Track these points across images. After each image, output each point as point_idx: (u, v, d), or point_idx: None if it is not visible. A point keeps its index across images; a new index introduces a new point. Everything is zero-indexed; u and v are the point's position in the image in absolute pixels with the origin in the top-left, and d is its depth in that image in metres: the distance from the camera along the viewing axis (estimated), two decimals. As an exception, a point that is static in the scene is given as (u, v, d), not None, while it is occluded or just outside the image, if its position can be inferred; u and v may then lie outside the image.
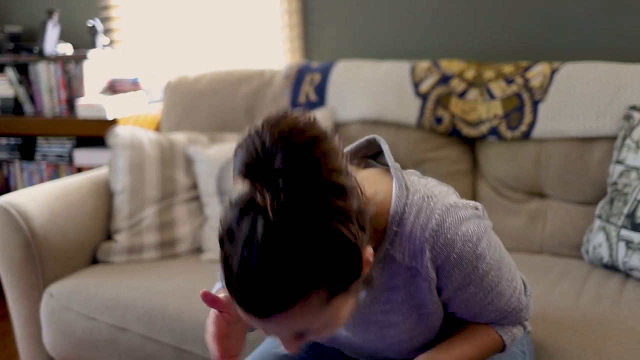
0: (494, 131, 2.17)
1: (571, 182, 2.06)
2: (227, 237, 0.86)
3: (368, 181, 1.03)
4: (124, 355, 1.97)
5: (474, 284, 1.07)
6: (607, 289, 1.76)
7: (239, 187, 0.86)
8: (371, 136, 1.19)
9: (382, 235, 1.05)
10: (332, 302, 0.89)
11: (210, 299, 1.04)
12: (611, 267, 1.87)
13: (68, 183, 2.35)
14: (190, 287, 2.00)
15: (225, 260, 0.87)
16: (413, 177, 1.12)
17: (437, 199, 1.05)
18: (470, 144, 2.28)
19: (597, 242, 1.89)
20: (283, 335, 0.93)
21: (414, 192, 1.07)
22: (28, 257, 2.11)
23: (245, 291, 0.85)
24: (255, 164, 0.86)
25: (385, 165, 1.16)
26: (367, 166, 1.18)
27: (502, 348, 1.19)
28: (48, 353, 2.17)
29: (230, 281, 0.86)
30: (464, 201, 1.09)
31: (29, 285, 2.14)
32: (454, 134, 2.24)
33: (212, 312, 1.10)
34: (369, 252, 0.92)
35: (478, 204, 1.11)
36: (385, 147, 1.15)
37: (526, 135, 2.12)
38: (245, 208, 0.85)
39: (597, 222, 1.92)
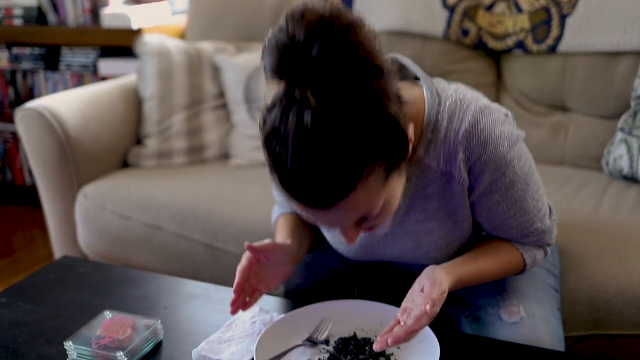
0: (519, 44, 2.18)
1: (595, 96, 2.08)
2: (273, 137, 0.86)
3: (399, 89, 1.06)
4: (158, 252, 2.06)
5: (499, 192, 1.08)
6: (627, 197, 1.82)
7: (273, 89, 0.87)
8: (389, 55, 1.15)
9: (417, 144, 1.07)
10: (389, 180, 0.92)
11: (253, 250, 1.12)
12: (631, 179, 1.92)
13: (98, 89, 2.39)
14: (219, 190, 2.07)
15: (276, 162, 0.87)
16: (443, 83, 1.12)
17: (470, 101, 1.06)
18: (496, 57, 2.29)
19: (618, 154, 1.94)
20: (345, 224, 0.95)
21: (446, 98, 1.07)
22: (62, 160, 2.17)
23: (305, 185, 0.86)
24: (289, 59, 0.85)
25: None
26: None
27: (523, 268, 1.19)
28: (83, 251, 2.26)
29: (286, 180, 0.87)
30: (496, 105, 1.10)
31: (64, 186, 2.21)
32: (479, 46, 2.26)
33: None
34: (411, 129, 0.95)
35: (508, 112, 1.12)
36: (407, 60, 1.15)
37: (552, 49, 2.13)
38: (287, 105, 0.85)
39: (619, 135, 1.95)
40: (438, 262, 1.15)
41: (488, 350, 1.08)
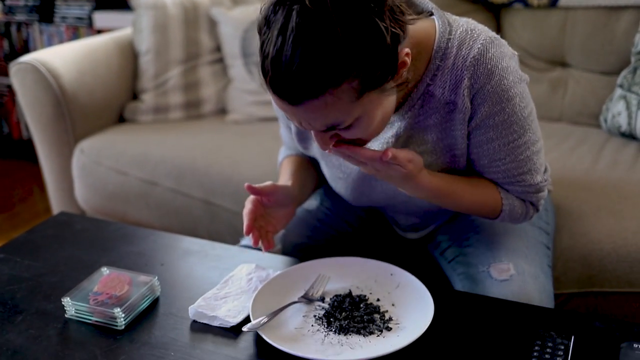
0: (520, -2, 2.15)
1: (595, 51, 2.07)
2: (264, 24, 0.90)
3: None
4: (154, 208, 2.07)
5: (495, 128, 1.08)
6: (624, 155, 1.82)
7: None
8: None
9: (424, 70, 1.07)
10: (365, 97, 0.92)
11: (253, 190, 1.15)
12: (629, 136, 1.92)
13: (93, 42, 2.36)
14: (217, 145, 2.07)
15: (262, 47, 0.90)
16: (453, 16, 1.11)
17: (480, 31, 1.06)
18: (496, 12, 2.27)
19: (617, 110, 1.93)
20: (315, 126, 0.96)
21: (457, 27, 1.06)
22: (58, 114, 2.16)
23: (279, 77, 0.88)
24: None
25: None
26: None
27: (498, 214, 1.18)
28: (80, 206, 2.27)
29: (265, 67, 0.90)
30: (505, 42, 1.09)
31: (60, 141, 2.21)
32: (479, 0, 2.23)
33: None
34: (405, 52, 0.94)
35: (516, 53, 1.11)
36: None
37: (553, 3, 2.10)
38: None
39: (618, 91, 1.94)
40: (430, 207, 1.18)
41: (479, 306, 1.09)
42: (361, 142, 1.03)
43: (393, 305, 1.09)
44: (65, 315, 1.11)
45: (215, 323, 1.07)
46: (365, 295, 1.12)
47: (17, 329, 1.08)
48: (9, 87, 3.38)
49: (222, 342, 1.03)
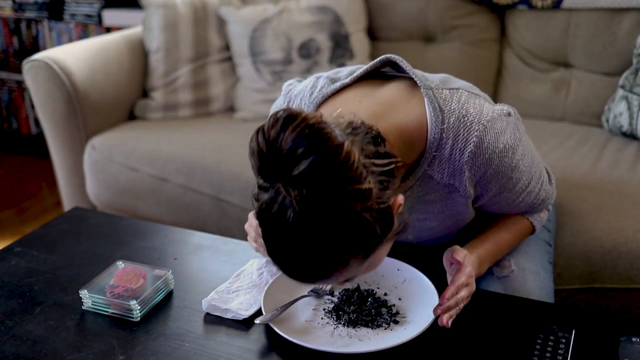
0: (524, 0, 2.18)
1: (597, 52, 2.10)
2: (262, 214, 0.88)
3: (396, 103, 1.06)
4: (165, 204, 2.10)
5: (507, 190, 1.12)
6: (625, 154, 1.85)
7: (261, 182, 0.88)
8: (384, 56, 1.14)
9: (421, 155, 1.07)
10: (371, 256, 0.92)
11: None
12: (630, 136, 1.95)
13: (104, 40, 2.40)
14: (226, 143, 2.10)
15: (264, 234, 0.89)
16: (444, 91, 1.08)
17: (473, 117, 1.04)
18: (500, 13, 2.30)
19: (618, 111, 1.96)
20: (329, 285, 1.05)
21: (449, 113, 1.05)
22: (70, 111, 2.20)
23: (286, 268, 0.89)
24: (278, 167, 0.84)
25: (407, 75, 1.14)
26: (386, 80, 1.15)
27: (532, 231, 1.27)
28: (91, 201, 2.30)
29: (271, 254, 0.90)
30: (498, 108, 1.08)
31: (72, 138, 2.25)
32: (484, 1, 2.26)
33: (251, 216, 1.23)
34: (399, 200, 0.92)
35: (511, 109, 1.10)
36: (405, 65, 1.11)
37: (556, 5, 2.13)
38: (274, 196, 0.85)
39: (620, 92, 1.97)
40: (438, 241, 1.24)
41: (483, 301, 1.13)
42: None
43: (400, 299, 1.13)
44: (83, 307, 1.15)
45: (228, 315, 1.11)
46: (373, 290, 1.16)
47: (36, 320, 1.12)
48: (19, 83, 3.41)
49: (235, 334, 1.07)
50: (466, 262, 1.09)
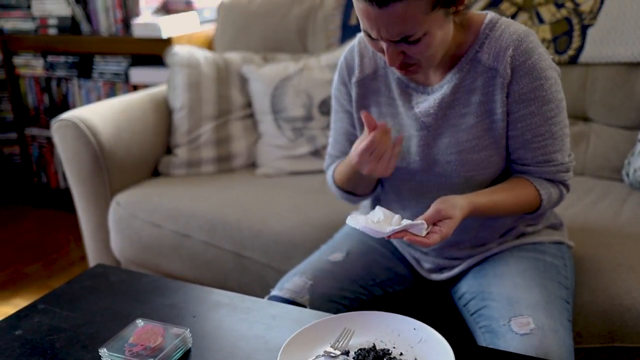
0: (541, 55, 2.21)
1: (616, 106, 2.11)
2: None
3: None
4: (187, 260, 2.13)
5: (536, 102, 1.27)
6: (646, 209, 1.84)
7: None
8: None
9: (475, 38, 1.29)
10: (434, 13, 1.14)
11: (368, 119, 1.25)
12: (650, 190, 1.94)
13: (130, 100, 2.47)
14: (247, 199, 2.13)
15: None
16: None
17: (526, 28, 1.28)
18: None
19: (638, 165, 1.96)
20: (392, 34, 1.15)
21: (506, 18, 1.31)
22: (96, 169, 2.26)
23: None
24: None
25: None
26: None
27: (538, 205, 1.33)
28: (115, 257, 2.34)
29: None
30: None
31: (98, 195, 2.30)
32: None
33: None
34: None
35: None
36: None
37: (573, 60, 2.16)
38: None
39: (639, 146, 1.97)
40: (466, 177, 1.35)
41: (501, 362, 1.13)
42: (419, 69, 1.25)
43: (415, 359, 1.13)
44: (103, 365, 1.17)
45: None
46: (388, 350, 1.16)
47: (57, 378, 1.14)
48: (48, 139, 3.50)
49: (251, 394, 1.08)
50: (449, 227, 1.18)
